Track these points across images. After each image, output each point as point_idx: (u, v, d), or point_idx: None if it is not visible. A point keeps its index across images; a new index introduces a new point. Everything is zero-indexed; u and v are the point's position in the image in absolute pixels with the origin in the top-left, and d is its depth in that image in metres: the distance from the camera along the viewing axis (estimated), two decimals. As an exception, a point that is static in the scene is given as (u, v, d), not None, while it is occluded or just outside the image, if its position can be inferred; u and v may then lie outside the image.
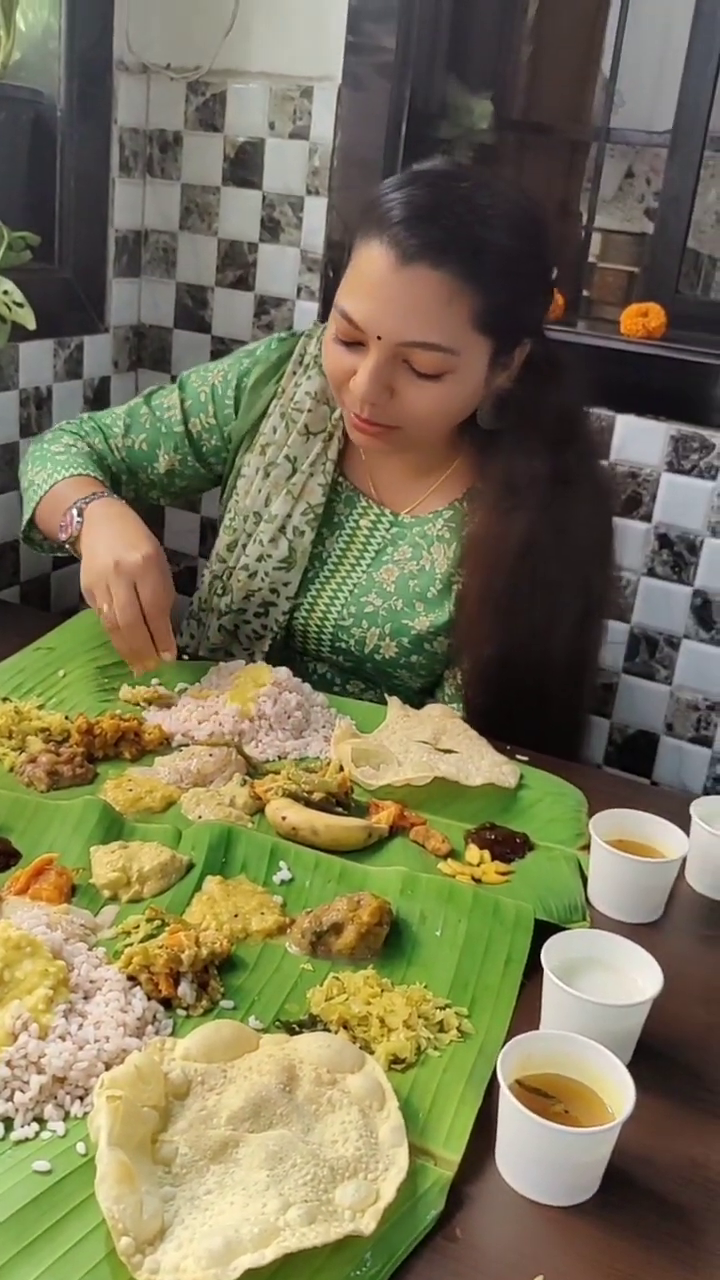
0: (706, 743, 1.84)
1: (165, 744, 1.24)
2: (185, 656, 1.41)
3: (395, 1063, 0.83)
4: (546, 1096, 0.77)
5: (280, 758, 1.25)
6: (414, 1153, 0.76)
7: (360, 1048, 0.83)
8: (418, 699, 1.46)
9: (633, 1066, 0.85)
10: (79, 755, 1.17)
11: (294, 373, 1.49)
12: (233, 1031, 0.80)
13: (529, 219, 1.28)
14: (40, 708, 1.27)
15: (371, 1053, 0.83)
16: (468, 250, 1.21)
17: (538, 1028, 0.87)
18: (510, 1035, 0.87)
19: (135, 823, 1.09)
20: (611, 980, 0.89)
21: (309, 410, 1.46)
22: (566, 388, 1.34)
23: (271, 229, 1.96)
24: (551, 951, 0.87)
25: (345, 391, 1.31)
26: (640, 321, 1.78)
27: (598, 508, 1.39)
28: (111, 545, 1.29)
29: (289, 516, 1.46)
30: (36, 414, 1.88)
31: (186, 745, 1.23)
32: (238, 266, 2.01)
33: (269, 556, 1.47)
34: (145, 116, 1.98)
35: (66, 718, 1.23)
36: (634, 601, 1.83)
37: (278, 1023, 0.86)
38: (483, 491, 1.36)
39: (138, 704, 1.31)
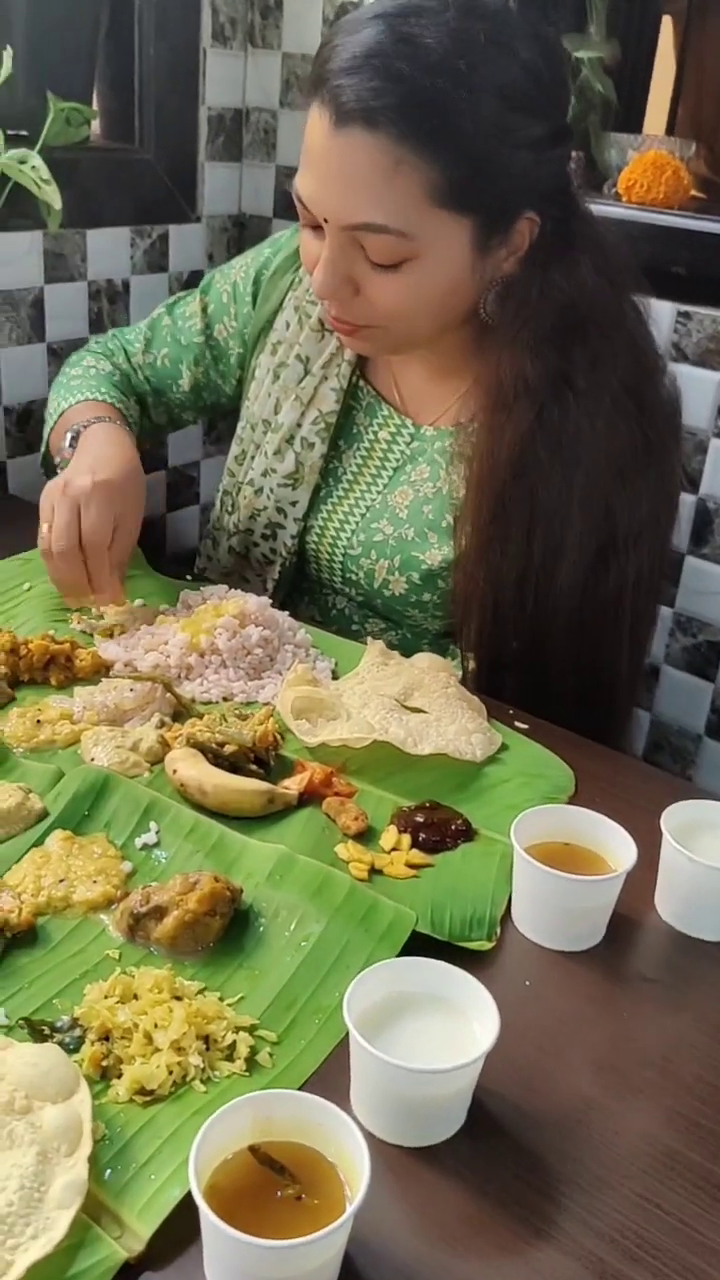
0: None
1: (104, 672, 1.12)
2: (140, 601, 1.23)
3: (141, 1093, 0.68)
4: (279, 1170, 0.60)
5: (225, 699, 1.10)
6: (102, 1215, 0.61)
7: (111, 1067, 0.69)
8: (439, 645, 1.27)
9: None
10: (-1, 677, 1.07)
11: None
12: (-65, 1030, 0.67)
13: (520, 60, 0.99)
14: (-12, 621, 1.17)
15: (119, 1076, 0.68)
16: (411, 106, 0.95)
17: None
18: (322, 1076, 0.70)
19: (24, 758, 0.98)
20: (446, 1026, 0.69)
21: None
22: (579, 271, 1.07)
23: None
24: (362, 989, 0.68)
25: None
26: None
27: (620, 421, 1.09)
28: (77, 466, 1.17)
29: (298, 426, 1.28)
30: (110, 309, 1.76)
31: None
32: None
33: (274, 471, 1.30)
34: (246, -22, 1.80)
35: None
36: None
37: (22, 1022, 0.72)
38: (478, 398, 1.13)
39: (89, 633, 1.19)
